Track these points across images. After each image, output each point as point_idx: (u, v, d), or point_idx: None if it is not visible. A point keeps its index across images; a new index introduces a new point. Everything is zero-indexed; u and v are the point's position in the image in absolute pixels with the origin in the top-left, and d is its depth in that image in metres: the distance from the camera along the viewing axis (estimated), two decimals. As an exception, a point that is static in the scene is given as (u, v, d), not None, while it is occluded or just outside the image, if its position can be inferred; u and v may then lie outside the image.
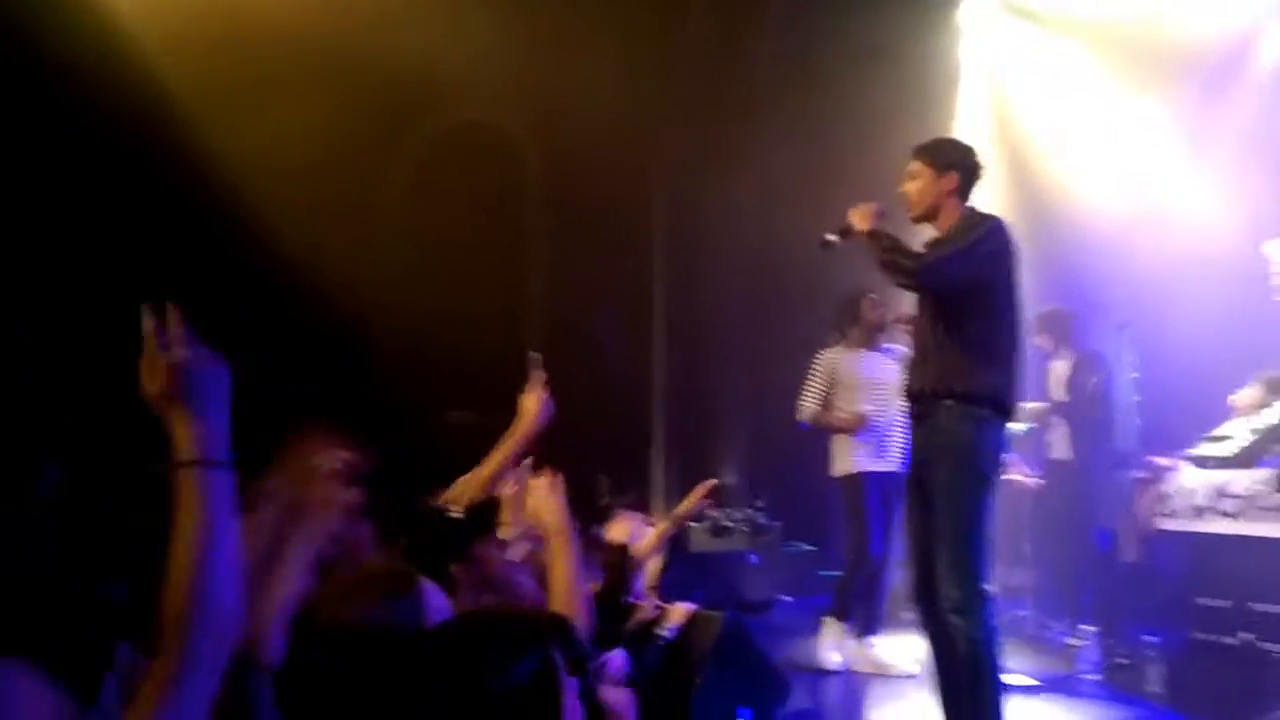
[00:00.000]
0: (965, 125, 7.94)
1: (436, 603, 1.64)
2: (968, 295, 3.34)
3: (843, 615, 5.14)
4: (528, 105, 8.07)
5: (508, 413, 3.26)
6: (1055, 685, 4.72)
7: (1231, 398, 4.00)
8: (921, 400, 3.44)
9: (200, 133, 6.19)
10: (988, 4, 7.66)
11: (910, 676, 4.70)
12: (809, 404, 5.28)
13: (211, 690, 1.24)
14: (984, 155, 3.61)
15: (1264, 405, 3.85)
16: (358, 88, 6.89)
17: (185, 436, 1.30)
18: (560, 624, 1.73)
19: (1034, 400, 5.78)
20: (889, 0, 7.45)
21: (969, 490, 3.28)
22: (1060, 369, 5.82)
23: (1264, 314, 4.60)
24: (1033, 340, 5.85)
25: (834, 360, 5.27)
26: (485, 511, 2.95)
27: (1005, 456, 3.47)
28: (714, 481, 4.10)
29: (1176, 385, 5.68)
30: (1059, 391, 5.79)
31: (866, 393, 5.13)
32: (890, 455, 5.07)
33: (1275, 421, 3.73)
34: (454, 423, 6.84)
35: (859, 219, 3.50)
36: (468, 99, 7.92)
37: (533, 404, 3.11)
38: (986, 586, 3.28)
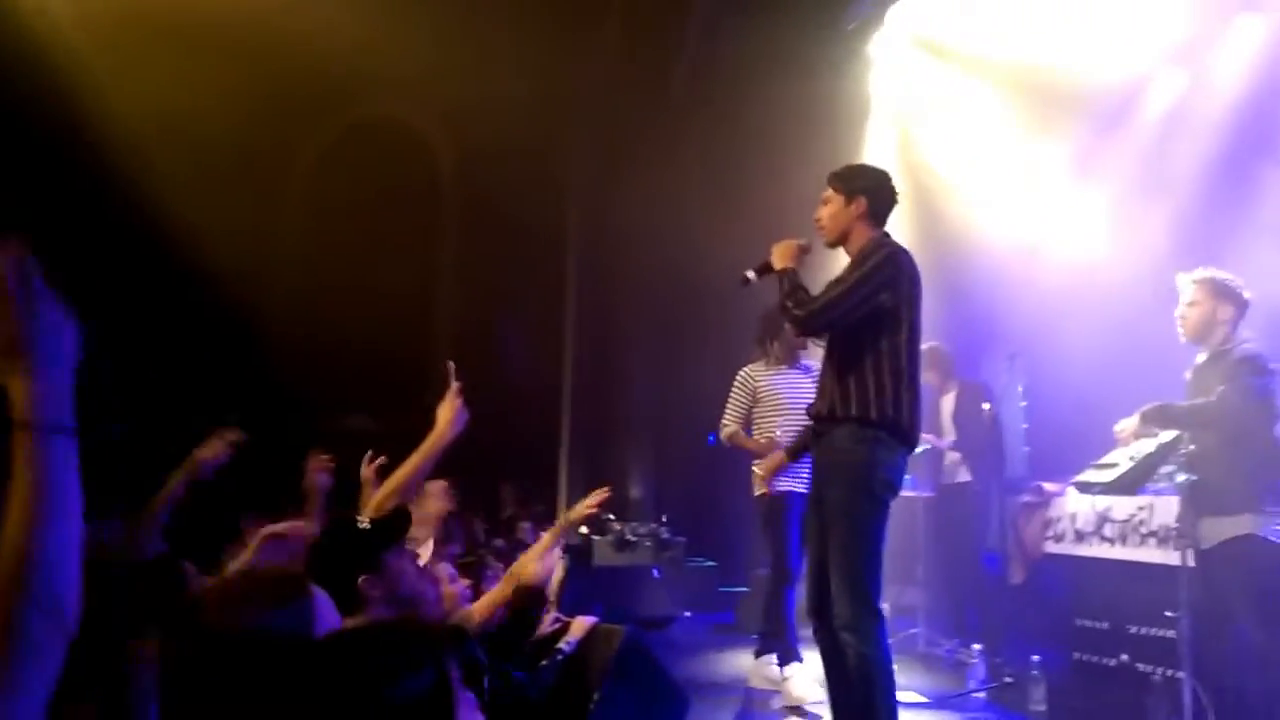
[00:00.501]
0: (873, 154, 8.17)
1: (327, 609, 1.60)
2: (866, 324, 3.41)
3: (774, 635, 5.08)
4: (441, 104, 7.99)
5: (409, 417, 3.22)
6: (944, 702, 4.85)
7: (1116, 427, 4.17)
8: (821, 421, 3.52)
9: (102, 104, 5.96)
10: (898, 37, 7.88)
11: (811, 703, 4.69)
12: (729, 423, 5.15)
13: (51, 672, 1.16)
14: (894, 184, 3.67)
15: (1144, 435, 4.04)
16: (267, 72, 6.72)
17: (23, 394, 1.19)
18: (457, 635, 1.71)
19: (928, 434, 5.98)
20: (804, 26, 7.61)
21: (863, 511, 3.36)
22: (948, 403, 6.04)
23: (1150, 346, 4.80)
24: (923, 376, 6.05)
25: (754, 377, 5.15)
26: (395, 522, 2.89)
27: (901, 480, 3.47)
28: (606, 491, 4.06)
29: (1065, 414, 5.92)
30: (949, 426, 6.00)
31: (784, 413, 5.01)
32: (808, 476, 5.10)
33: (1153, 450, 3.90)
34: (352, 428, 6.71)
35: (779, 257, 3.57)
36: (380, 93, 7.79)
37: (447, 413, 3.08)
38: (879, 605, 3.34)
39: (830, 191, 3.61)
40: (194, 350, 6.30)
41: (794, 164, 7.82)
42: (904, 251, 3.49)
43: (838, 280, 3.46)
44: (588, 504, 4.00)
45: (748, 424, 5.13)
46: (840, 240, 3.58)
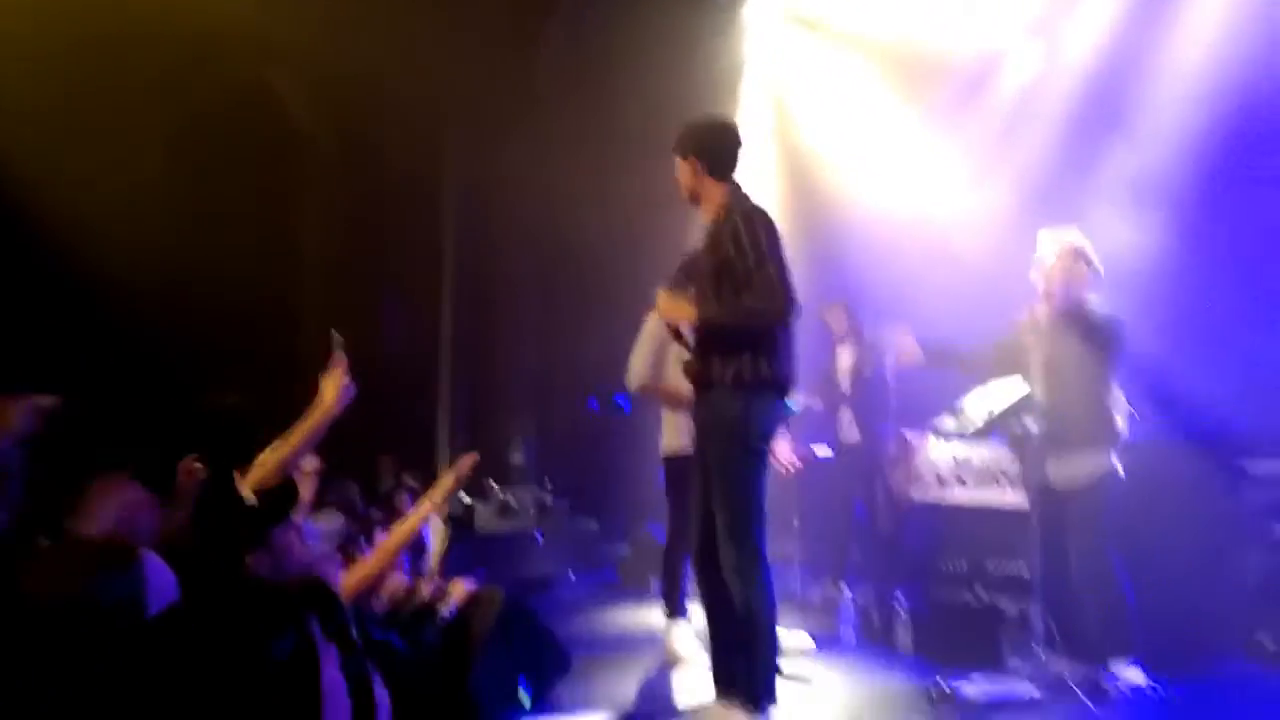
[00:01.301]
0: (747, 121, 8.30)
1: (161, 579, 1.57)
2: (724, 282, 3.48)
3: (671, 596, 4.91)
4: (311, 69, 7.68)
5: (282, 394, 3.14)
6: (817, 643, 5.05)
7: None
8: (700, 379, 3.60)
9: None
10: (772, 7, 8.00)
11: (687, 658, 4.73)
12: (638, 368, 4.72)
13: None
14: (733, 129, 3.74)
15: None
16: (132, 33, 6.35)
17: None
18: (318, 590, 1.70)
19: (819, 384, 6.16)
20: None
21: (741, 463, 3.49)
22: (846, 357, 6.20)
23: (1002, 301, 5.05)
24: (827, 326, 6.22)
25: None
26: (281, 497, 2.83)
27: (778, 430, 3.60)
28: (473, 458, 4.05)
29: (934, 375, 6.18)
30: (844, 379, 6.17)
31: None
32: None
33: (1005, 398, 4.15)
34: (221, 406, 6.48)
35: (677, 316, 3.62)
36: (246, 57, 7.43)
37: (333, 387, 3.03)
38: (763, 550, 3.46)
39: (676, 158, 3.70)
40: (46, 323, 5.97)
41: (669, 129, 7.90)
42: (756, 209, 3.57)
43: (757, 266, 3.42)
44: (452, 477, 3.98)
45: (658, 373, 4.68)
46: (695, 201, 3.69)
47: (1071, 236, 4.33)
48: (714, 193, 3.64)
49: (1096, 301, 4.30)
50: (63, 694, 1.36)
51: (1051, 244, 4.32)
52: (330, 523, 2.98)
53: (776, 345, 3.52)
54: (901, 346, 4.56)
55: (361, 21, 6.79)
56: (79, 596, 1.43)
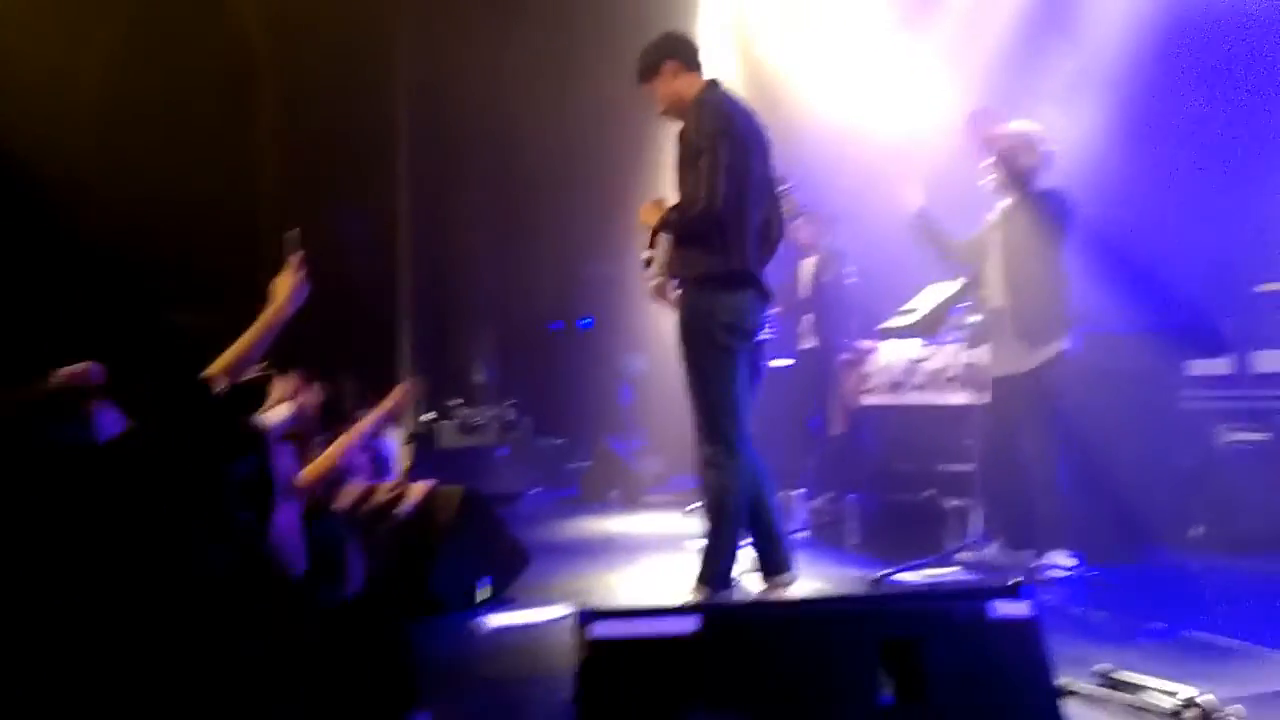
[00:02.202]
0: (705, 34, 8.23)
1: (109, 420, 1.63)
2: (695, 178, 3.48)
3: None
4: None
5: (239, 311, 3.12)
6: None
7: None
8: (677, 279, 3.65)
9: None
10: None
11: None
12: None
13: None
14: (681, 31, 3.80)
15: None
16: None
17: None
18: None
19: (781, 292, 6.21)
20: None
21: (709, 358, 3.53)
22: (809, 266, 6.26)
23: (956, 200, 5.10)
24: (794, 235, 6.26)
25: None
26: (250, 392, 2.85)
27: (749, 320, 3.57)
28: (408, 385, 4.11)
29: (886, 278, 6.26)
30: (805, 287, 6.23)
31: None
32: None
33: (947, 295, 4.24)
34: (179, 323, 6.46)
35: (648, 218, 3.63)
36: None
37: (286, 286, 2.94)
38: (737, 443, 3.49)
39: (648, 87, 3.72)
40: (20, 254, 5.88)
41: (627, 48, 7.81)
42: (728, 100, 3.60)
43: (695, 154, 3.47)
44: (393, 397, 4.01)
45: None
46: (678, 113, 3.66)
47: (1020, 125, 4.39)
48: (692, 87, 3.65)
49: (1048, 184, 4.39)
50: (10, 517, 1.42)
51: (1014, 127, 4.39)
52: (279, 415, 3.01)
53: (730, 238, 3.50)
54: (910, 187, 4.61)
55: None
56: (29, 434, 1.48)
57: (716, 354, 3.53)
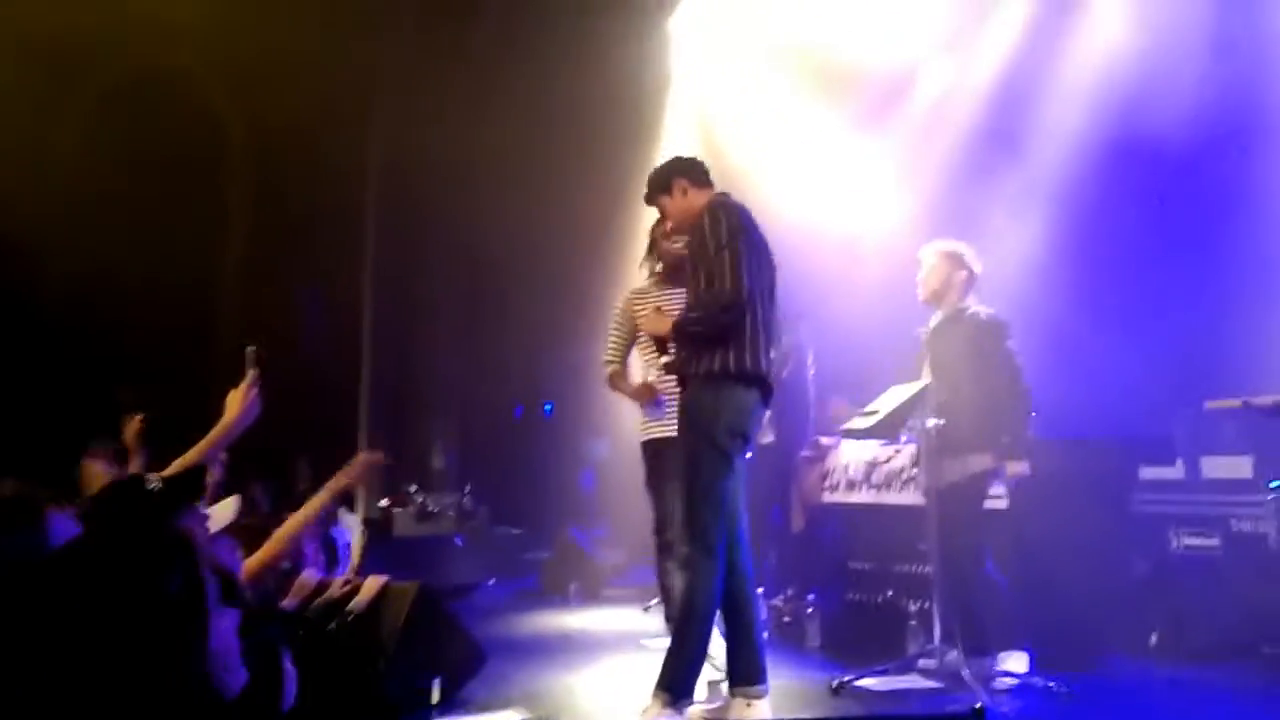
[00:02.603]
0: (672, 129, 8.43)
1: (62, 525, 1.60)
2: (707, 275, 3.51)
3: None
4: (227, 56, 7.43)
5: (197, 389, 3.09)
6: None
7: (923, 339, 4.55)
8: (679, 373, 3.65)
9: None
10: (695, 16, 8.14)
11: None
12: (611, 359, 4.43)
13: None
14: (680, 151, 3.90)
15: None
16: (20, 26, 6.18)
17: None
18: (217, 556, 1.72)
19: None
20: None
21: (705, 458, 3.49)
22: None
23: (915, 308, 5.23)
24: None
25: (633, 301, 4.38)
26: (186, 482, 2.79)
27: (751, 425, 3.56)
28: (374, 456, 4.06)
29: (848, 374, 6.34)
30: None
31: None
32: None
33: (907, 397, 4.29)
34: (125, 399, 6.33)
35: (656, 328, 3.68)
36: (155, 43, 7.16)
37: (238, 402, 2.93)
38: (716, 547, 3.44)
39: (659, 203, 3.81)
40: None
41: (598, 139, 7.98)
42: (739, 204, 3.67)
43: (715, 252, 3.47)
44: (353, 469, 3.95)
45: (626, 363, 4.45)
46: (694, 222, 3.66)
47: (947, 244, 4.53)
48: (702, 199, 3.71)
49: (977, 303, 4.50)
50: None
51: (929, 253, 4.53)
52: (227, 510, 2.95)
53: (746, 337, 3.51)
54: (837, 413, 4.74)
55: (276, 10, 6.65)
56: None
57: (714, 454, 3.49)
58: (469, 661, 4.14)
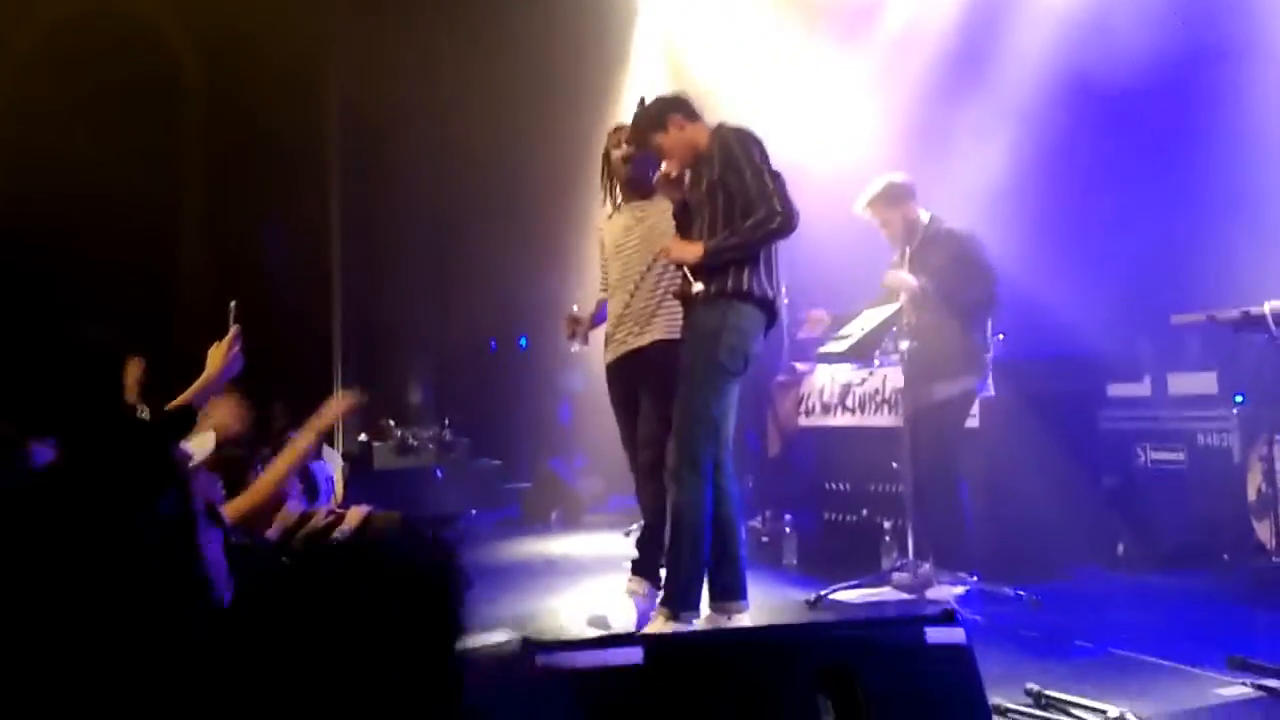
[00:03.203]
0: (639, 61, 8.32)
1: (42, 455, 1.61)
2: (722, 201, 3.49)
3: None
4: None
5: (160, 330, 3.07)
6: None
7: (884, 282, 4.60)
8: (686, 295, 3.60)
9: None
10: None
11: None
12: (601, 288, 4.38)
13: None
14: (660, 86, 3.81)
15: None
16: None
17: None
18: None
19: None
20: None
21: (707, 377, 3.49)
22: None
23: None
24: None
25: (601, 227, 4.40)
26: (177, 418, 2.79)
27: (754, 347, 3.55)
28: (352, 398, 4.07)
29: (824, 301, 6.37)
30: None
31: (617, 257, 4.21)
32: None
33: (881, 320, 4.35)
34: (90, 338, 6.25)
35: (686, 255, 3.53)
36: None
37: (219, 357, 2.89)
38: (704, 463, 3.45)
39: (654, 142, 3.71)
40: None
41: (562, 71, 7.87)
42: (739, 128, 3.61)
43: (754, 174, 3.45)
44: (333, 407, 3.96)
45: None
46: (696, 158, 3.65)
47: (870, 193, 4.59)
48: (703, 130, 3.66)
49: (946, 221, 4.53)
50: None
51: (865, 213, 4.61)
52: (205, 444, 2.96)
53: (759, 260, 3.51)
54: (813, 319, 4.75)
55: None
56: None
57: (714, 373, 3.49)
58: (455, 586, 4.19)
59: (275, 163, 7.62)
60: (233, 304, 3.00)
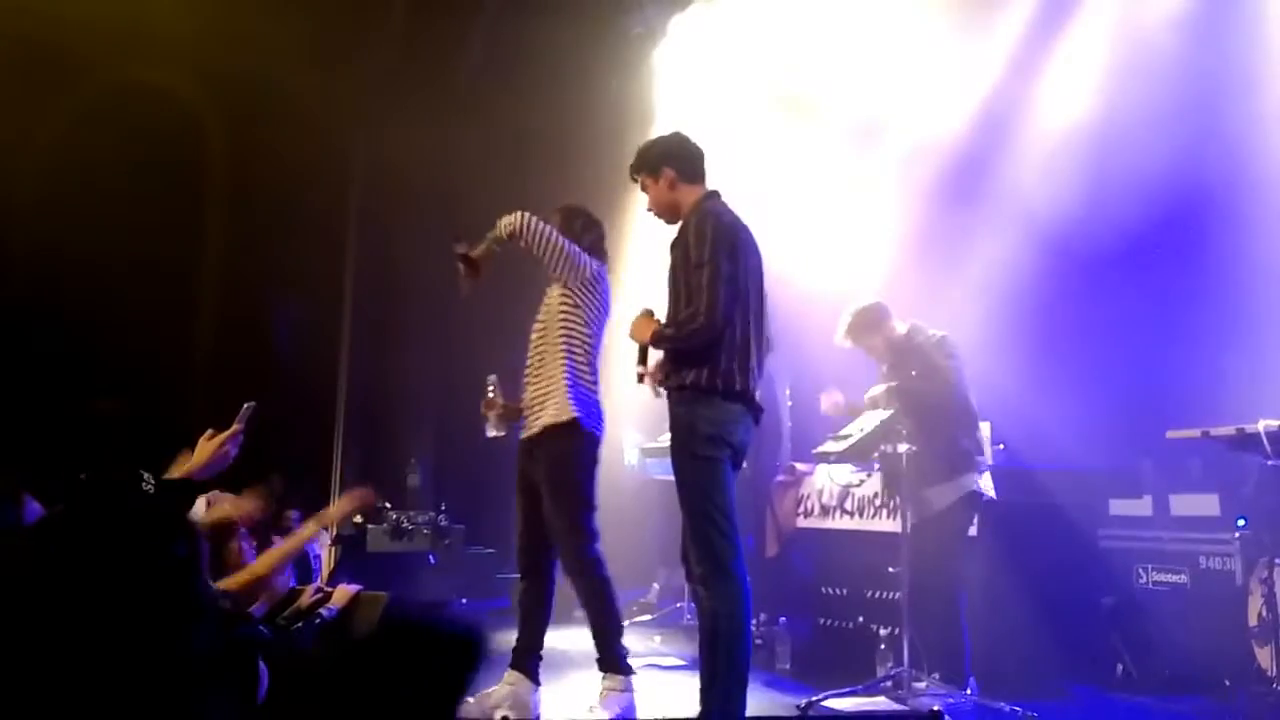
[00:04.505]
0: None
1: (33, 509, 1.62)
2: (693, 290, 3.39)
3: None
4: (207, 68, 7.31)
5: (174, 405, 3.09)
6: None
7: (866, 396, 4.65)
8: (665, 387, 3.56)
9: None
10: (681, 49, 8.24)
11: None
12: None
13: None
14: (692, 139, 3.73)
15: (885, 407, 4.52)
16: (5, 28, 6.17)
17: None
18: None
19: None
20: (591, 29, 7.85)
21: (692, 471, 3.41)
22: None
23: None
24: None
25: None
26: (180, 488, 2.80)
27: (734, 433, 3.43)
28: (368, 495, 4.07)
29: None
30: None
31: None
32: None
33: (880, 422, 4.36)
34: (103, 413, 6.28)
35: (639, 335, 3.54)
36: (132, 56, 7.10)
37: (208, 451, 2.84)
38: (731, 564, 3.31)
39: (640, 180, 3.69)
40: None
41: (580, 165, 8.04)
42: (728, 211, 3.55)
43: (696, 267, 3.38)
44: (350, 503, 3.97)
45: None
46: (672, 217, 3.63)
47: (846, 322, 4.70)
48: (690, 197, 3.61)
49: (924, 330, 4.58)
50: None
51: (846, 342, 4.71)
52: (197, 510, 2.96)
53: (723, 353, 3.39)
54: (830, 399, 4.81)
55: (260, 24, 6.66)
56: None
57: (698, 466, 3.39)
58: (465, 658, 4.10)
59: (293, 237, 7.74)
60: (247, 405, 2.95)
